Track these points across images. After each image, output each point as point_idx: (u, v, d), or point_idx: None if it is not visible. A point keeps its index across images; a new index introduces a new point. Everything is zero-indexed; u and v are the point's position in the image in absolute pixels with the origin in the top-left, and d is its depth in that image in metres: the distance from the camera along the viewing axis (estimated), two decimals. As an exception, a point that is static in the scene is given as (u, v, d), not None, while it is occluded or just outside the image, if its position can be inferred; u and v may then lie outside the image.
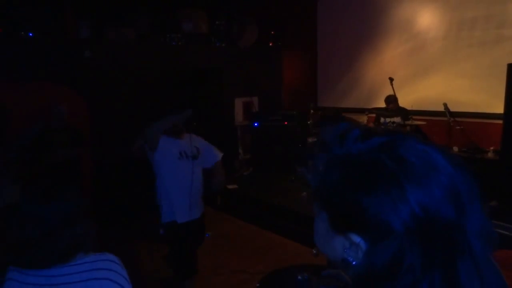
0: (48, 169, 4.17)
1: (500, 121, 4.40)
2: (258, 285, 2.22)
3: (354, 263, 0.59)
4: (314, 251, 0.84)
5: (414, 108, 5.36)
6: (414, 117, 5.17)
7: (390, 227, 0.54)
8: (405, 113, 5.20)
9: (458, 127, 5.08)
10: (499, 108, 4.36)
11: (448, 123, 5.03)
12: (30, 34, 5.01)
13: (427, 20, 5.72)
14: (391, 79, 4.92)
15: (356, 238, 0.58)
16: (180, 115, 2.86)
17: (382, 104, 5.46)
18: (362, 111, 5.65)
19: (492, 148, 4.91)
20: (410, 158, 0.57)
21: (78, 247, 1.25)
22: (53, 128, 4.30)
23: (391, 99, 5.17)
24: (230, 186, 5.61)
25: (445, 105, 5.04)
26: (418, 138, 0.61)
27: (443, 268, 0.53)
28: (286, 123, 6.39)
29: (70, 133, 4.42)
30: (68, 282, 1.19)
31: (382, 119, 5.30)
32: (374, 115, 5.55)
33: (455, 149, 5.22)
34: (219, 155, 3.17)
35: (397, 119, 5.18)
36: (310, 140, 6.02)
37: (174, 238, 2.98)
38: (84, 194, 5.11)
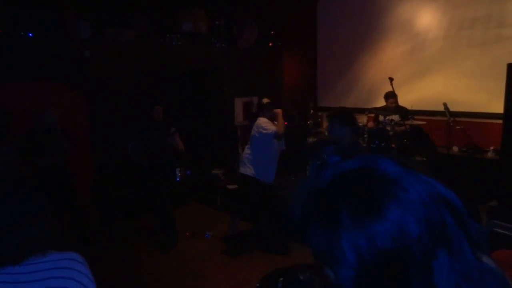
0: (30, 173, 4.15)
1: (500, 121, 4.39)
2: (258, 285, 2.22)
3: None
4: None
5: (414, 108, 5.35)
6: (414, 117, 5.17)
7: (344, 259, 0.54)
8: (405, 112, 5.21)
9: (458, 127, 5.09)
10: (499, 108, 4.36)
11: (448, 123, 5.03)
12: (30, 34, 5.01)
13: (427, 20, 5.71)
14: (391, 79, 4.92)
15: (327, 271, 0.58)
16: None
17: (382, 104, 5.46)
18: (361, 111, 5.64)
19: (492, 148, 4.91)
20: (350, 187, 0.56)
21: (33, 247, 1.25)
22: (41, 133, 4.21)
23: (390, 95, 5.18)
24: (230, 186, 5.62)
25: (445, 105, 5.04)
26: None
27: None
28: (286, 123, 6.38)
29: (58, 137, 4.31)
30: (30, 280, 1.20)
31: (381, 118, 5.30)
32: (373, 114, 5.55)
33: (455, 149, 5.23)
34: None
35: (395, 117, 5.18)
36: (310, 140, 6.01)
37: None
38: (83, 194, 5.06)
